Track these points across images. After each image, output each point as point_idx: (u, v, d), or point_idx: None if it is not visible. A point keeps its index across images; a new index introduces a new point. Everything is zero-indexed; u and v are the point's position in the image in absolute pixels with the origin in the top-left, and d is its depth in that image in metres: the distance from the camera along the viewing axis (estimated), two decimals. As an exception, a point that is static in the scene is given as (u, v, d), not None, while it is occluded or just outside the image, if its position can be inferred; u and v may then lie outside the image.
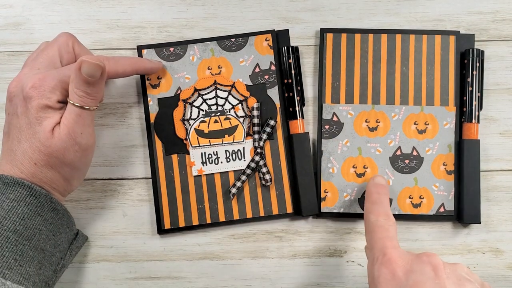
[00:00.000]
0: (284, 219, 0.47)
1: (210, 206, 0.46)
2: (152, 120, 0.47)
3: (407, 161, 0.46)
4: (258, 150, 0.46)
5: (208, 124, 0.46)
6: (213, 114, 0.47)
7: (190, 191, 0.46)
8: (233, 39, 0.47)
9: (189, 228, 0.46)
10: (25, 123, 0.38)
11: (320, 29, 0.47)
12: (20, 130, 0.38)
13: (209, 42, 0.47)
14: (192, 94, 0.47)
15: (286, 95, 0.47)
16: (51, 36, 0.48)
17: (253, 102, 0.46)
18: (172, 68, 0.47)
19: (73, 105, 0.38)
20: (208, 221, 0.46)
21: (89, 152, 0.41)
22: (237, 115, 0.47)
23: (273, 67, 0.47)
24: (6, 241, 0.36)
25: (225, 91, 0.47)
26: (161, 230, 0.46)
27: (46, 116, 0.38)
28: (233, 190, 0.46)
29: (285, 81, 0.47)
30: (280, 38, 0.47)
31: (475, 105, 0.46)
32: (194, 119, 0.46)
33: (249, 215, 0.46)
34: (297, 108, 0.46)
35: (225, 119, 0.46)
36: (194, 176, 0.46)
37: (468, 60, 0.46)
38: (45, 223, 0.39)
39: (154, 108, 0.47)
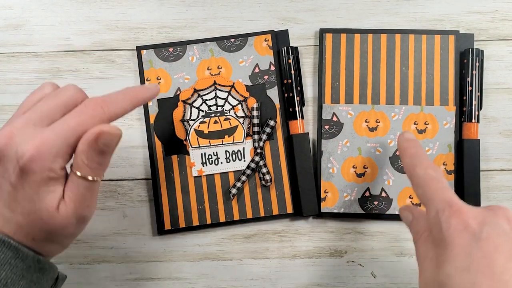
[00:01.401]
0: (284, 220, 0.47)
1: (210, 207, 0.46)
2: (151, 121, 0.47)
3: (407, 161, 0.46)
4: (258, 151, 0.46)
5: (208, 125, 0.46)
6: (212, 115, 0.47)
7: (190, 192, 0.46)
8: (232, 40, 0.47)
9: (190, 228, 0.46)
10: (22, 197, 0.32)
11: (320, 29, 0.47)
12: (15, 201, 0.32)
13: (208, 43, 0.47)
14: (192, 95, 0.47)
15: (286, 95, 0.47)
16: (51, 37, 0.48)
17: (252, 103, 0.46)
18: (171, 69, 0.47)
19: (81, 178, 0.33)
20: (209, 221, 0.46)
21: (90, 219, 0.36)
22: (236, 116, 0.47)
23: (272, 68, 0.47)
24: None
25: (225, 91, 0.47)
26: (162, 231, 0.46)
27: (49, 191, 0.32)
28: (233, 191, 0.46)
29: (285, 81, 0.47)
30: (279, 39, 0.47)
31: (475, 104, 0.46)
32: (194, 120, 0.46)
33: (249, 215, 0.46)
34: (296, 109, 0.46)
35: (225, 119, 0.47)
36: (194, 177, 0.46)
37: (467, 59, 0.46)
38: (30, 285, 0.33)
39: (153, 109, 0.47)
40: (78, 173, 0.32)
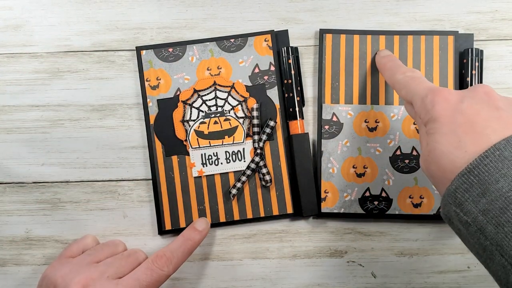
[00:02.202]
0: (284, 220, 0.47)
1: (210, 207, 0.46)
2: (151, 122, 0.47)
3: (407, 161, 0.46)
4: (258, 151, 0.46)
5: (208, 125, 0.46)
6: (212, 115, 0.47)
7: (190, 192, 0.46)
8: (232, 40, 0.47)
9: (190, 229, 0.46)
10: None
11: (320, 29, 0.47)
12: None
13: (208, 43, 0.47)
14: (192, 95, 0.47)
15: (286, 95, 0.47)
16: (50, 37, 0.48)
17: (252, 103, 0.46)
18: (171, 69, 0.47)
19: None
20: (209, 221, 0.46)
21: None
22: (236, 116, 0.47)
23: (272, 68, 0.47)
24: None
25: (225, 92, 0.47)
26: (162, 231, 0.46)
27: None
28: (233, 191, 0.46)
29: (285, 81, 0.47)
30: (279, 39, 0.47)
31: (474, 104, 0.46)
32: (193, 120, 0.46)
33: (250, 215, 0.46)
34: (296, 109, 0.46)
35: (225, 120, 0.47)
36: (194, 177, 0.46)
37: (467, 59, 0.46)
38: None
39: (153, 109, 0.47)
40: None
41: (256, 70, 0.47)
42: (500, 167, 0.29)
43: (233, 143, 0.46)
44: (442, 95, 0.33)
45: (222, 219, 0.46)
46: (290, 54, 0.46)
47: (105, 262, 0.40)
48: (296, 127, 0.46)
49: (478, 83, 0.46)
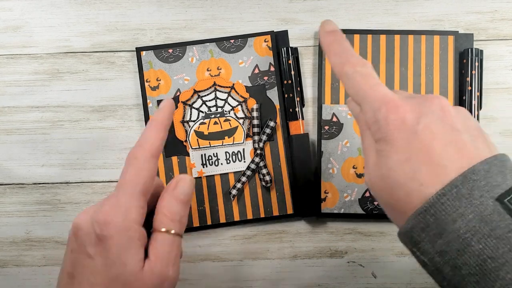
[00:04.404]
0: (284, 220, 0.47)
1: (210, 208, 0.46)
2: (151, 122, 0.47)
3: (407, 161, 0.46)
4: (258, 151, 0.46)
5: (208, 126, 0.46)
6: (212, 116, 0.47)
7: (190, 193, 0.46)
8: (232, 41, 0.47)
9: (190, 229, 0.46)
10: (102, 265, 0.31)
11: (319, 30, 0.47)
12: (94, 273, 0.31)
13: (208, 44, 0.47)
14: (192, 96, 0.47)
15: (286, 96, 0.47)
16: (50, 38, 0.48)
17: (252, 104, 0.46)
18: (171, 70, 0.47)
19: (165, 233, 0.33)
20: (209, 222, 0.46)
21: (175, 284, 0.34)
22: (236, 117, 0.47)
23: (272, 68, 0.47)
24: None
25: (225, 92, 0.47)
26: (162, 232, 0.46)
27: (131, 253, 0.31)
28: (234, 192, 0.46)
29: (285, 82, 0.47)
30: (279, 39, 0.47)
31: (474, 104, 0.46)
32: (193, 121, 0.46)
33: (250, 216, 0.46)
34: (296, 109, 0.46)
35: (225, 120, 0.47)
36: (194, 178, 0.46)
37: (467, 59, 0.46)
38: None
39: (153, 110, 0.47)
40: (163, 229, 0.33)
41: (256, 71, 0.47)
42: (457, 206, 0.27)
43: (233, 144, 0.46)
44: (397, 113, 0.30)
45: (222, 219, 0.46)
46: (290, 54, 0.46)
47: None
48: (296, 127, 0.46)
49: (478, 83, 0.46)
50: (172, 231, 0.33)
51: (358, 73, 0.33)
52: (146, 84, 0.47)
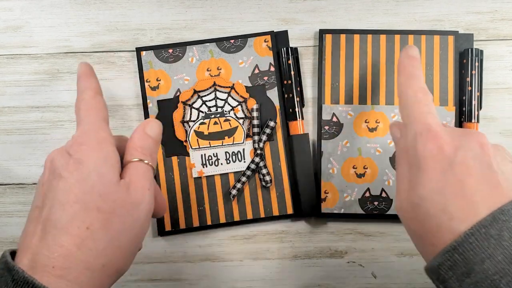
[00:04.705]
0: (284, 220, 0.47)
1: (210, 208, 0.46)
2: (151, 122, 0.47)
3: (407, 161, 0.46)
4: (258, 152, 0.46)
5: (208, 126, 0.46)
6: (212, 116, 0.47)
7: (190, 193, 0.46)
8: (232, 41, 0.47)
9: (190, 229, 0.46)
10: (76, 180, 0.30)
11: (319, 30, 0.47)
12: (66, 191, 0.30)
13: (208, 44, 0.47)
14: (192, 96, 0.47)
15: (286, 96, 0.47)
16: (50, 38, 0.48)
17: (252, 104, 0.46)
18: (171, 70, 0.47)
19: (139, 161, 0.33)
20: (209, 222, 0.46)
21: (146, 224, 0.33)
22: (236, 117, 0.47)
23: (272, 68, 0.47)
24: None
25: (225, 92, 0.47)
26: (162, 232, 0.46)
27: (108, 166, 0.31)
28: (233, 192, 0.46)
29: (285, 82, 0.47)
30: (279, 39, 0.47)
31: (474, 104, 0.46)
32: (193, 121, 0.46)
33: (250, 216, 0.46)
34: (296, 109, 0.46)
35: (225, 120, 0.47)
36: (194, 178, 0.46)
37: (467, 59, 0.46)
38: None
39: (153, 110, 0.47)
40: (135, 159, 0.33)
41: (256, 71, 0.47)
42: (486, 247, 0.28)
43: (233, 144, 0.46)
44: (436, 142, 0.31)
45: (222, 220, 0.46)
46: (290, 54, 0.46)
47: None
48: (296, 127, 0.46)
49: (478, 83, 0.46)
50: (145, 161, 0.33)
51: (417, 97, 0.34)
52: (146, 84, 0.47)
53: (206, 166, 0.46)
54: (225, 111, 0.47)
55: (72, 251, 0.29)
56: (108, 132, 0.33)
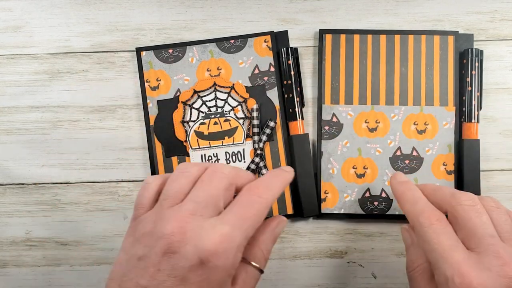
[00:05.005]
0: (284, 220, 0.47)
1: (210, 208, 0.46)
2: (151, 123, 0.47)
3: (407, 162, 0.46)
4: (258, 152, 0.46)
5: (208, 126, 0.46)
6: (212, 116, 0.47)
7: (190, 193, 0.46)
8: (232, 41, 0.47)
9: (190, 230, 0.46)
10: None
11: (319, 30, 0.47)
12: None
13: (208, 44, 0.47)
14: (192, 96, 0.47)
15: (286, 96, 0.47)
16: (50, 38, 0.48)
17: (252, 104, 0.46)
18: (171, 70, 0.47)
19: (257, 269, 0.33)
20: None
21: None
22: (236, 117, 0.47)
23: (272, 69, 0.47)
24: None
25: (225, 92, 0.47)
26: (162, 232, 0.46)
27: (227, 285, 0.30)
28: (233, 192, 0.46)
29: (285, 82, 0.47)
30: (279, 40, 0.47)
31: (474, 104, 0.46)
32: (193, 121, 0.46)
33: (250, 216, 0.46)
34: (296, 109, 0.46)
35: (225, 120, 0.47)
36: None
37: (467, 60, 0.46)
38: None
39: (153, 111, 0.47)
40: (257, 264, 0.33)
41: (256, 71, 0.47)
42: None
43: (233, 144, 0.46)
44: (471, 285, 0.31)
45: (222, 220, 0.46)
46: (290, 55, 0.46)
47: (190, 198, 0.31)
48: (296, 127, 0.46)
49: (478, 83, 0.46)
50: (262, 269, 0.33)
51: (434, 228, 0.34)
52: (146, 84, 0.47)
53: (206, 166, 0.46)
54: (225, 111, 0.47)
55: None
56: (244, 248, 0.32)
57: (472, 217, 0.33)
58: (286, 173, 0.36)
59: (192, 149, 0.46)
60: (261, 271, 0.33)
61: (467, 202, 0.34)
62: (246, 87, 0.47)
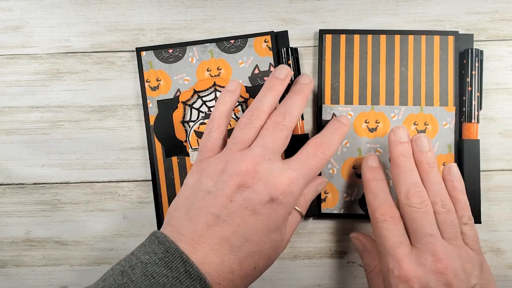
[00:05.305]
0: (284, 220, 0.47)
1: (210, 208, 0.46)
2: (151, 122, 0.47)
3: (407, 162, 0.46)
4: (258, 152, 0.46)
5: (208, 126, 0.46)
6: (212, 116, 0.47)
7: (190, 193, 0.46)
8: (232, 41, 0.47)
9: (190, 230, 0.46)
10: (263, 227, 0.35)
11: (319, 30, 0.47)
12: (255, 232, 0.35)
13: (208, 44, 0.47)
14: (192, 96, 0.47)
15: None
16: (50, 38, 0.48)
17: (252, 104, 0.46)
18: (171, 70, 0.47)
19: (300, 213, 0.40)
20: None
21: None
22: (236, 117, 0.47)
23: (272, 69, 0.47)
24: None
25: (225, 92, 0.47)
26: (162, 232, 0.46)
27: (285, 225, 0.37)
28: (233, 192, 0.46)
29: (285, 82, 0.46)
30: (279, 40, 0.47)
31: (474, 105, 0.46)
32: (194, 121, 0.46)
33: (250, 216, 0.46)
34: (296, 109, 0.46)
35: (225, 120, 0.46)
36: (194, 178, 0.46)
37: (467, 60, 0.46)
38: None
39: (153, 111, 0.47)
40: (300, 210, 0.40)
41: (256, 71, 0.47)
42: None
43: (233, 144, 0.46)
44: (407, 283, 0.36)
45: (222, 220, 0.46)
46: (290, 55, 0.46)
47: (258, 144, 0.37)
48: (296, 128, 0.46)
49: (478, 83, 0.46)
50: (303, 214, 0.40)
51: (386, 225, 0.38)
52: (146, 84, 0.47)
53: (206, 166, 0.46)
54: (225, 111, 0.47)
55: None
56: None
57: (417, 217, 0.38)
58: (345, 127, 0.42)
59: (192, 149, 0.46)
60: (302, 216, 0.40)
61: (416, 205, 0.38)
62: (246, 87, 0.47)
